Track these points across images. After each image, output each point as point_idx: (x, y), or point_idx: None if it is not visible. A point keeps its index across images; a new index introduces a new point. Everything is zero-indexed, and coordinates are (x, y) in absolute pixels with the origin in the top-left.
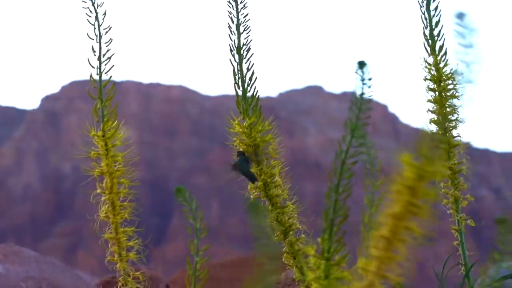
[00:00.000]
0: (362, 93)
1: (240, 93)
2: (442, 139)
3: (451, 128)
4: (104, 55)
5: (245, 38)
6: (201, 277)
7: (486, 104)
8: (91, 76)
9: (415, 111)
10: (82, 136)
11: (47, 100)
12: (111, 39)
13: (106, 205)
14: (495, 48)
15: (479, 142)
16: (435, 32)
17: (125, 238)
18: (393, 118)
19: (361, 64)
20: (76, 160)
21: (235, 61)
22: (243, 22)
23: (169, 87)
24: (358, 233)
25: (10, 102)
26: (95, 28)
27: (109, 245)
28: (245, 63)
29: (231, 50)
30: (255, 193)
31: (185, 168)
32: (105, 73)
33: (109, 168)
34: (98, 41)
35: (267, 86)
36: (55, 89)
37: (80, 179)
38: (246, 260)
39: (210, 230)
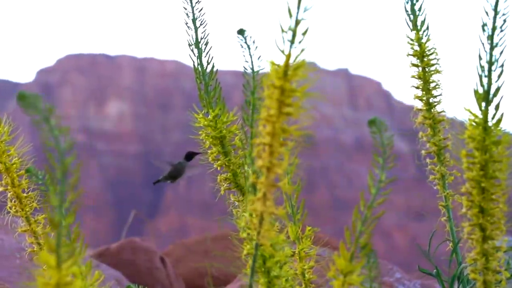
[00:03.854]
0: (250, 55)
1: (202, 87)
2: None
3: (435, 104)
4: None
5: (202, 32)
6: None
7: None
8: None
9: (408, 88)
10: (76, 109)
11: (42, 73)
12: None
13: (13, 201)
14: None
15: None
16: (416, 7)
17: (39, 227)
18: (387, 95)
19: (241, 31)
20: (70, 133)
21: (195, 55)
22: (198, 17)
23: (164, 62)
24: (349, 209)
25: (4, 75)
26: None
27: (26, 237)
28: (205, 56)
29: (189, 45)
30: (225, 185)
31: (179, 142)
32: None
33: (4, 165)
34: None
35: (262, 62)
36: (50, 62)
37: (73, 152)
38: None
39: (204, 205)
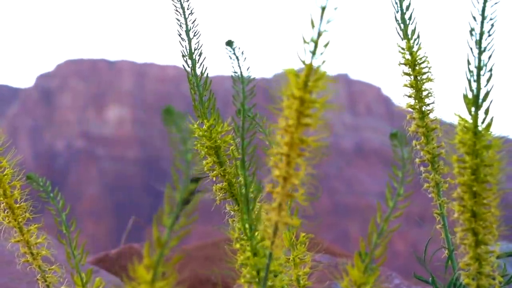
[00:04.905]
0: (239, 66)
1: (196, 97)
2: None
3: (428, 112)
4: None
5: (196, 43)
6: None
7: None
8: None
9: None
10: (76, 114)
11: (41, 78)
12: None
13: (5, 211)
14: None
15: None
16: (407, 16)
17: (32, 237)
18: (387, 100)
19: (229, 43)
20: (69, 138)
21: (189, 66)
22: (192, 28)
23: (164, 67)
24: (349, 215)
25: (4, 80)
26: None
27: (20, 247)
28: (199, 67)
29: (183, 56)
30: (221, 195)
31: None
32: None
33: None
34: None
35: (262, 68)
36: (50, 68)
37: (73, 157)
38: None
39: (204, 211)
